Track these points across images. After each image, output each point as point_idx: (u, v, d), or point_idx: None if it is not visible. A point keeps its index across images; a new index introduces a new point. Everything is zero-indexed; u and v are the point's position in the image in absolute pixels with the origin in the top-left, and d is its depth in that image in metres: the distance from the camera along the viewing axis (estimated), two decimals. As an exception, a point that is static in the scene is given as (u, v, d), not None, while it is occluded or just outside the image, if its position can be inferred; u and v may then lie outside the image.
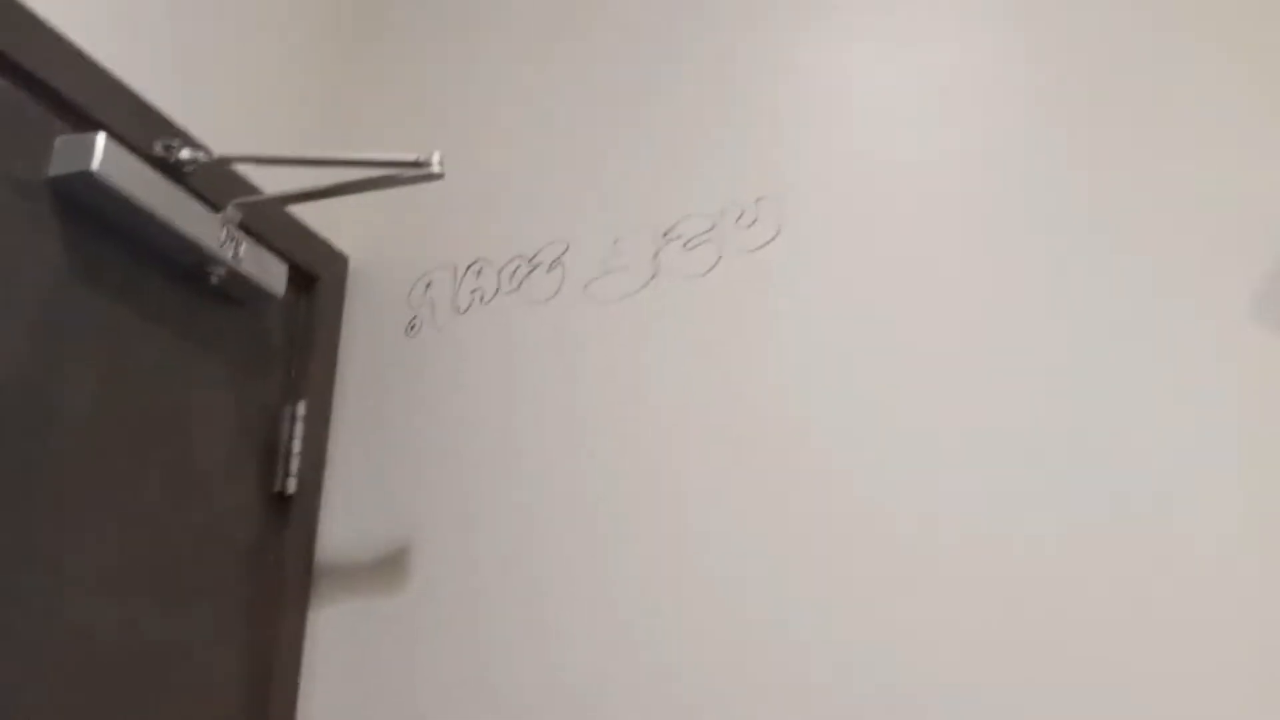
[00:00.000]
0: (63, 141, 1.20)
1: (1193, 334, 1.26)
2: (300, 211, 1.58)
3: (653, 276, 1.51)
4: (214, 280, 1.37)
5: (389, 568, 1.49)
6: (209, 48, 1.48)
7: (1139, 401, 1.25)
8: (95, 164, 1.18)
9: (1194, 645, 1.15)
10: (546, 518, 1.44)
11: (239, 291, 1.43)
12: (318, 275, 1.61)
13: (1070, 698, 1.16)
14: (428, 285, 1.64)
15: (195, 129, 1.41)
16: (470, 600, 1.44)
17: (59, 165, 1.19)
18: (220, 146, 1.42)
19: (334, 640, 1.48)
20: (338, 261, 1.66)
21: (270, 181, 1.50)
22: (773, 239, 1.47)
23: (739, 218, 1.49)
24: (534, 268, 1.58)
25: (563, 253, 1.57)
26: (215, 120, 1.46)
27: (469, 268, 1.62)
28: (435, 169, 1.27)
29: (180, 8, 1.44)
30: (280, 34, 1.65)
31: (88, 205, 1.22)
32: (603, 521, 1.42)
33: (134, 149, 1.28)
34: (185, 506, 1.34)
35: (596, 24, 1.70)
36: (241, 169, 1.46)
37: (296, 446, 1.52)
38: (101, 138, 1.19)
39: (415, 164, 1.30)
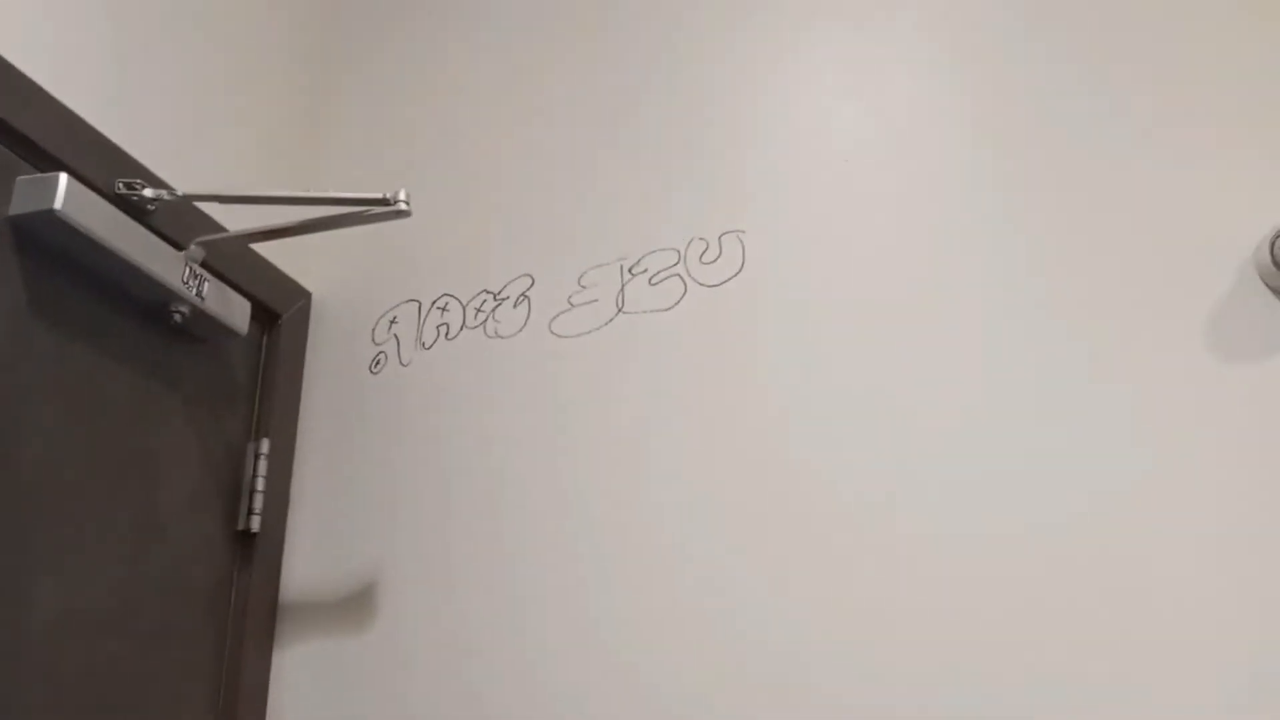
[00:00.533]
0: (24, 181, 1.19)
1: (1142, 356, 1.29)
2: (264, 249, 1.58)
3: (618, 311, 1.52)
4: (177, 318, 1.36)
5: (355, 606, 1.48)
6: (172, 86, 1.48)
7: (1098, 422, 1.28)
8: (58, 203, 1.17)
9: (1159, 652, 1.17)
10: (515, 552, 1.44)
11: (202, 329, 1.42)
12: (281, 312, 1.61)
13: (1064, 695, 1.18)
14: (392, 321, 1.63)
15: (158, 168, 1.40)
16: (438, 637, 1.43)
17: (20, 204, 1.18)
18: (184, 185, 1.42)
19: (299, 679, 1.47)
20: (301, 298, 1.65)
21: (234, 220, 1.49)
22: (737, 274, 1.48)
23: (703, 253, 1.51)
24: (499, 303, 1.59)
25: (528, 288, 1.58)
26: (179, 159, 1.46)
27: (434, 303, 1.62)
28: (403, 206, 1.27)
29: (144, 47, 1.44)
30: (245, 72, 1.65)
31: (50, 244, 1.21)
32: (574, 554, 1.41)
33: (96, 188, 1.27)
34: (149, 545, 1.32)
35: (561, 61, 1.72)
36: (205, 207, 1.45)
37: (260, 484, 1.51)
38: (63, 177, 1.18)
39: (382, 201, 1.30)
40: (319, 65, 1.86)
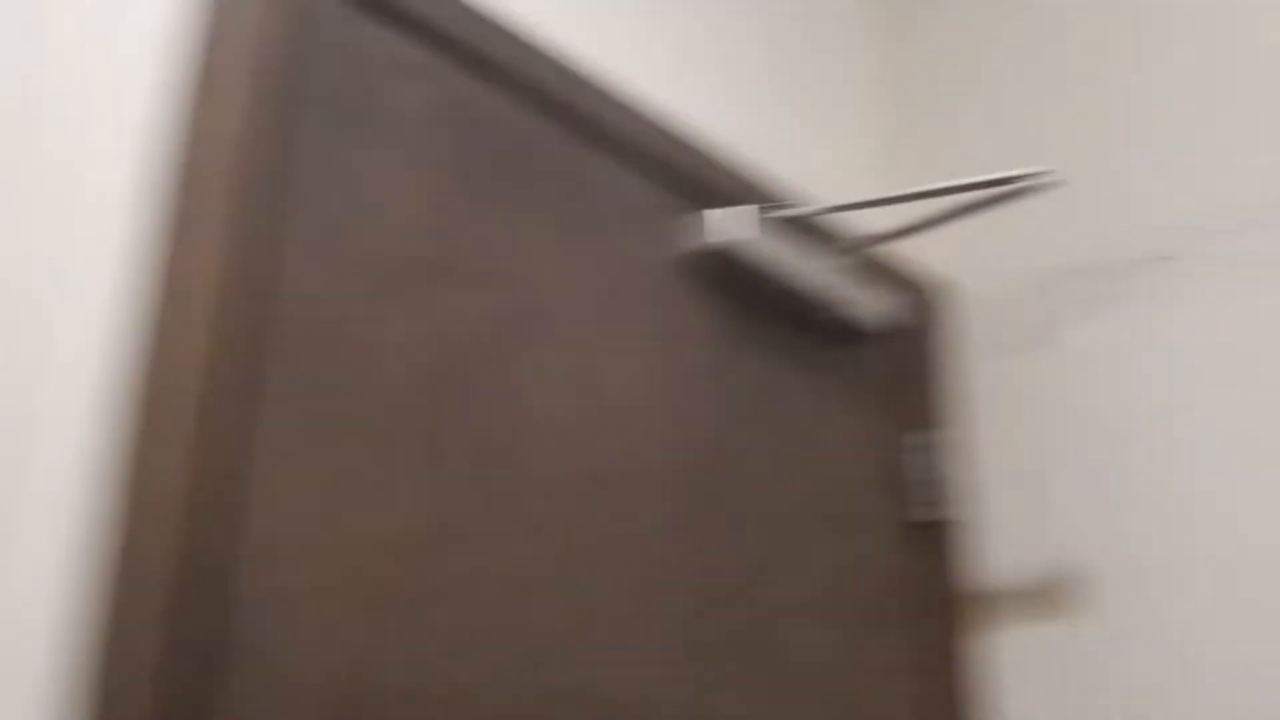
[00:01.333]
0: (700, 218, 1.34)
1: None
2: (903, 243, 1.60)
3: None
4: (839, 323, 1.44)
5: (1049, 597, 1.44)
6: (788, 105, 1.58)
7: None
8: (732, 235, 1.32)
9: None
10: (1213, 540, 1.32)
11: (863, 329, 1.48)
12: (930, 302, 1.63)
13: None
14: (1043, 298, 1.56)
15: (791, 184, 1.49)
16: (1149, 637, 1.35)
17: (698, 240, 1.34)
18: (813, 196, 1.49)
19: (1012, 672, 1.45)
20: (947, 287, 1.66)
21: (863, 221, 1.54)
22: None
23: None
24: (1157, 268, 1.45)
25: (1189, 248, 1.43)
26: (806, 173, 1.54)
27: (1087, 274, 1.53)
28: (1050, 178, 1.22)
29: (771, 79, 1.55)
30: (847, 79, 1.72)
31: (732, 271, 1.36)
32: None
33: (756, 215, 1.39)
34: (841, 538, 1.43)
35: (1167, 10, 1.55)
36: (838, 215, 1.51)
37: (934, 474, 1.54)
38: (735, 210, 1.34)
39: (1022, 178, 1.26)
40: (918, 56, 1.85)
